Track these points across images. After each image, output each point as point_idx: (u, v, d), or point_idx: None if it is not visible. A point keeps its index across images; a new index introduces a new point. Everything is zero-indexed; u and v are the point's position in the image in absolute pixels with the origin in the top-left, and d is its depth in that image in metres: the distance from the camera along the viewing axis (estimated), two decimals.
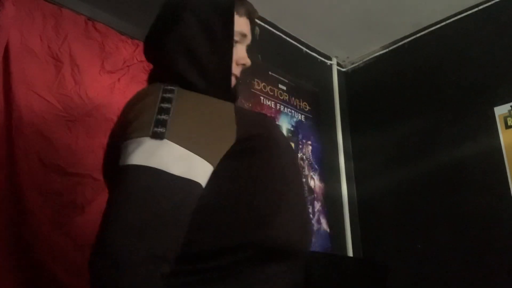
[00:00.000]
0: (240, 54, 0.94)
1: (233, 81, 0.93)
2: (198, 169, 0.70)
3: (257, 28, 2.47)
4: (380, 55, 2.80)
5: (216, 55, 0.84)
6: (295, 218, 0.82)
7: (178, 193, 0.67)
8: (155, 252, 0.63)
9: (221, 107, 0.80)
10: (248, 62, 0.96)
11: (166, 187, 0.66)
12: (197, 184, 0.69)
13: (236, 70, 0.94)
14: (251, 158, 0.78)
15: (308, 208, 2.39)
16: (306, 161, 2.46)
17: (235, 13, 0.89)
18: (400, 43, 2.71)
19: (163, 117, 0.71)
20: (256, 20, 2.43)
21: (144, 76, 1.75)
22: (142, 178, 0.66)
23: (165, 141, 0.68)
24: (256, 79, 2.35)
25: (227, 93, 0.85)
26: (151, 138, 0.68)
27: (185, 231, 0.68)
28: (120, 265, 0.60)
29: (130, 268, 0.61)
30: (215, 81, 0.84)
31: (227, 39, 0.86)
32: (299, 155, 2.44)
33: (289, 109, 2.49)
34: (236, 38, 0.90)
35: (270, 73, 2.45)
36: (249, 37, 0.97)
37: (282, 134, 1.00)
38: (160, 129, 0.69)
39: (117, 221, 0.63)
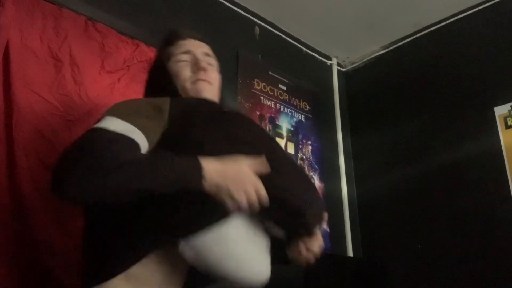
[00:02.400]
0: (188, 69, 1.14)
1: (200, 85, 1.12)
2: (127, 130, 0.90)
3: (257, 28, 2.47)
4: (380, 55, 2.80)
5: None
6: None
7: (114, 140, 0.87)
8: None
9: (156, 99, 1.03)
10: (200, 65, 1.13)
11: (105, 137, 0.88)
12: (127, 138, 0.89)
13: (197, 76, 1.12)
14: (176, 125, 0.98)
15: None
16: (306, 161, 2.47)
17: (176, 40, 1.17)
18: (400, 43, 2.71)
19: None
20: (256, 20, 2.45)
21: (144, 76, 1.75)
22: (91, 132, 0.90)
23: (109, 116, 0.94)
24: (256, 79, 2.35)
25: (168, 93, 1.07)
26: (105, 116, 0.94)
27: None
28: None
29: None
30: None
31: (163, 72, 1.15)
32: (299, 155, 2.44)
33: (289, 109, 2.49)
34: (182, 57, 1.14)
35: (270, 73, 2.45)
36: (195, 50, 1.16)
37: (216, 109, 1.12)
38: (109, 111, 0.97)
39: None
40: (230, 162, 0.90)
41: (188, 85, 1.11)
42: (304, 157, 2.46)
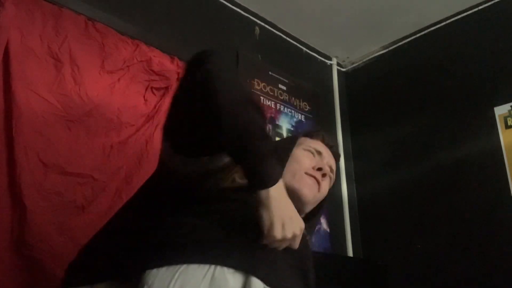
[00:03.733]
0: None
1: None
2: None
3: (257, 28, 2.47)
4: (380, 55, 2.80)
5: None
6: None
7: None
8: None
9: None
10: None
11: None
12: None
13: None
14: None
15: None
16: None
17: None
18: (400, 43, 2.71)
19: None
20: (256, 20, 2.45)
21: (144, 76, 1.76)
22: None
23: None
24: (256, 79, 2.35)
25: None
26: None
27: None
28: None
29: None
30: None
31: None
32: None
33: (289, 109, 2.49)
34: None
35: (270, 73, 2.45)
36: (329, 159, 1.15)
37: None
38: None
39: None
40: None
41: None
42: None
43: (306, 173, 1.04)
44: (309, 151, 1.08)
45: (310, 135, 1.14)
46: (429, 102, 2.47)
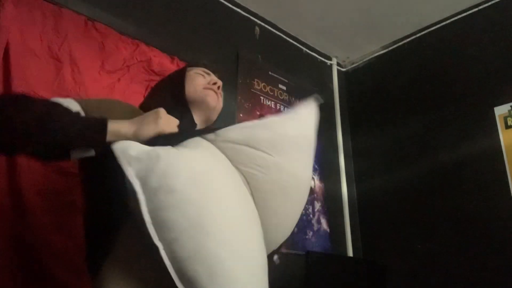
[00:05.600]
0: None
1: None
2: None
3: (257, 28, 2.47)
4: (380, 55, 2.80)
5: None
6: None
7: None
8: None
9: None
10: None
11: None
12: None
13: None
14: None
15: None
16: None
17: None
18: (400, 43, 2.71)
19: None
20: (256, 20, 2.45)
21: (144, 76, 1.76)
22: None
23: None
24: (256, 79, 2.35)
25: None
26: None
27: None
28: None
29: None
30: None
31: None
32: None
33: (289, 109, 2.49)
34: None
35: (270, 73, 2.45)
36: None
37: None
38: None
39: None
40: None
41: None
42: None
43: (204, 88, 1.22)
44: (200, 74, 1.25)
45: (194, 65, 1.30)
46: (429, 102, 2.47)
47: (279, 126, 1.04)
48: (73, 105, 0.99)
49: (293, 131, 1.07)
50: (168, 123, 1.00)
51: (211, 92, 1.22)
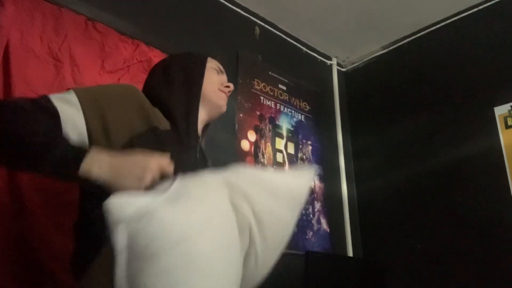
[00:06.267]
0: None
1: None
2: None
3: (257, 28, 2.47)
4: (380, 55, 2.81)
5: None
6: None
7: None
8: None
9: None
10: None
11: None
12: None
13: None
14: None
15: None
16: (306, 161, 2.47)
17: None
18: (400, 43, 2.71)
19: None
20: (256, 20, 2.45)
21: (144, 76, 1.75)
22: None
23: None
24: (256, 79, 2.35)
25: None
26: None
27: None
28: None
29: None
30: None
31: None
32: (299, 155, 2.44)
33: (289, 109, 2.49)
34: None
35: (270, 73, 2.45)
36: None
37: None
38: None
39: None
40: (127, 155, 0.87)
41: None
42: (304, 157, 2.46)
43: (219, 89, 1.20)
44: (215, 69, 1.22)
45: (211, 56, 1.27)
46: (429, 102, 2.47)
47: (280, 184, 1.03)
48: (73, 98, 0.96)
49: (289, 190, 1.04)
50: (155, 177, 0.87)
51: (224, 96, 1.21)
